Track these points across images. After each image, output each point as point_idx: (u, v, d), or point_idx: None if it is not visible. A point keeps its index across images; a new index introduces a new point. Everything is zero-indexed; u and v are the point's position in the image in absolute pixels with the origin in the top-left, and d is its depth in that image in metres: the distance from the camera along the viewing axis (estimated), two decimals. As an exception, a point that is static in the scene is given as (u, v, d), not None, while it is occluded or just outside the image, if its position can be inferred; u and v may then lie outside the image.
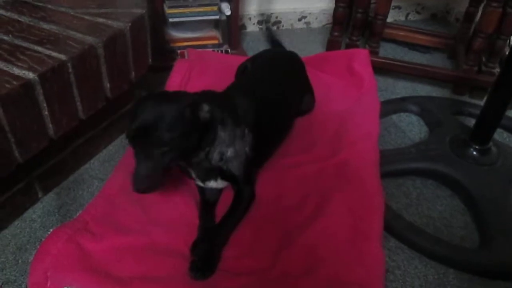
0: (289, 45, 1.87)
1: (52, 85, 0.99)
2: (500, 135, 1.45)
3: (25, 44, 1.06)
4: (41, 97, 0.97)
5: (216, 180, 1.03)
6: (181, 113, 0.87)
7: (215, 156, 0.99)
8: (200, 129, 0.92)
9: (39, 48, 1.04)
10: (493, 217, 1.12)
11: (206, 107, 0.92)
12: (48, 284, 0.84)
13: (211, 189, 1.07)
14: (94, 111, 1.16)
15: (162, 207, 1.04)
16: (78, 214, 0.98)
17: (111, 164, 1.28)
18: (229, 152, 1.00)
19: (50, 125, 1.02)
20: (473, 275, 1.02)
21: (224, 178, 1.03)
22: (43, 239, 0.90)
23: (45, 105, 0.99)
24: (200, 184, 1.05)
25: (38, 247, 0.88)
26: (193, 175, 1.03)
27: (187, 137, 0.89)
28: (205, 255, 0.92)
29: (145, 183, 0.86)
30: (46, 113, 1.00)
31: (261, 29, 2.10)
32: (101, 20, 1.19)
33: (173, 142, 0.86)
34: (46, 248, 0.87)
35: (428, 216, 1.16)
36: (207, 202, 1.06)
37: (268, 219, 1.03)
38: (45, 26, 1.14)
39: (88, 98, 1.11)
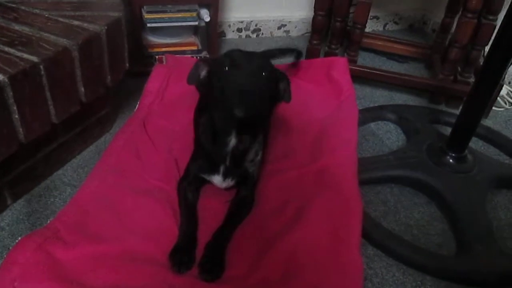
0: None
1: (23, 88, 0.95)
2: (476, 143, 1.47)
3: (-5, 46, 1.02)
4: (11, 100, 0.93)
5: (233, 179, 1.06)
6: (272, 71, 0.95)
7: (250, 155, 1.04)
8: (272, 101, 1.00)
9: (10, 50, 1.00)
10: (469, 224, 1.13)
11: (283, 85, 0.98)
12: (16, 295, 0.80)
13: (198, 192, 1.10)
14: (68, 116, 1.12)
15: (137, 215, 1.01)
16: (48, 222, 0.95)
17: (85, 171, 1.24)
18: (259, 156, 1.07)
19: (21, 129, 0.98)
20: (451, 282, 1.02)
21: (241, 179, 1.07)
22: (11, 248, 0.86)
23: (15, 108, 0.95)
24: (217, 181, 1.06)
25: (5, 256, 0.84)
26: (221, 169, 1.04)
27: (270, 88, 0.94)
28: (213, 256, 0.92)
29: (251, 98, 0.84)
30: (17, 116, 0.96)
31: (240, 36, 2.10)
32: (76, 22, 1.16)
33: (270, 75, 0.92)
34: (13, 257, 0.83)
35: (406, 224, 1.16)
36: (191, 206, 1.05)
37: (247, 225, 1.01)
38: (17, 27, 1.11)
39: (61, 102, 1.08)
